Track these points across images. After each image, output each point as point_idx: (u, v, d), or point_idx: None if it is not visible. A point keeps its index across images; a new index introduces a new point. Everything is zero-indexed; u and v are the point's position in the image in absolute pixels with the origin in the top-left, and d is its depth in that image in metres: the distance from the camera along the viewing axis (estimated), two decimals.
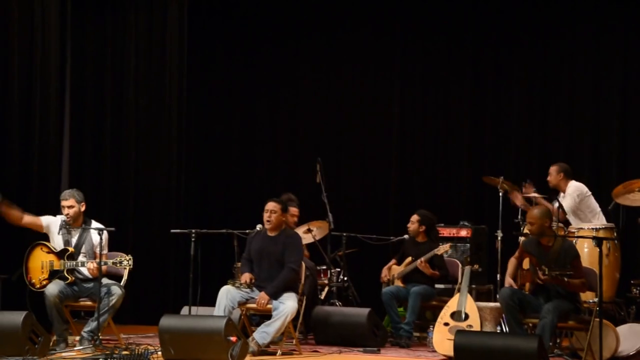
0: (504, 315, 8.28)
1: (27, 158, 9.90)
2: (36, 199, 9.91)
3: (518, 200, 9.54)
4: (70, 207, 8.35)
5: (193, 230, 8.63)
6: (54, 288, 8.11)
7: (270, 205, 8.44)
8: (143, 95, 11.19)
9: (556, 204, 9.46)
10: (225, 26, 12.14)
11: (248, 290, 8.28)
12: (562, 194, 9.62)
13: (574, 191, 9.51)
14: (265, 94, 12.20)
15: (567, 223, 9.50)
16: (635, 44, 10.88)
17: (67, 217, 8.35)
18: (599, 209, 9.60)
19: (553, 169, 9.66)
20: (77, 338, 8.19)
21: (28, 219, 8.45)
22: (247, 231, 8.75)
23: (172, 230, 9.34)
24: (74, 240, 8.39)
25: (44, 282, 8.25)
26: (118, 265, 8.18)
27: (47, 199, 9.96)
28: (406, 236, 9.70)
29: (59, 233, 8.39)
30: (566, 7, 11.15)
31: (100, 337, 8.10)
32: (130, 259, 8.16)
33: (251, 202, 10.53)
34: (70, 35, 10.92)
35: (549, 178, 9.68)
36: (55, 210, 8.65)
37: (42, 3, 10.14)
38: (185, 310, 8.90)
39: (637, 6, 10.75)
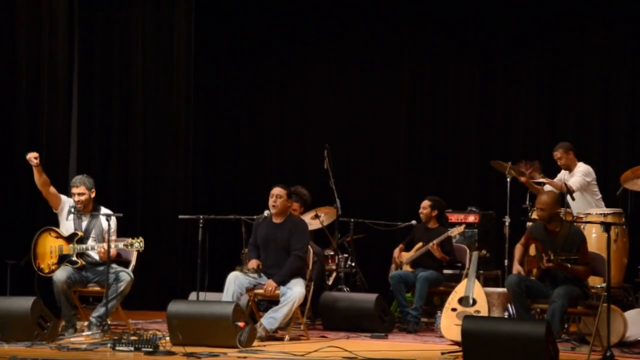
0: (511, 302, 8.28)
1: (35, 143, 9.91)
2: None
3: (522, 179, 9.57)
4: (80, 194, 8.36)
5: (201, 216, 8.64)
6: (62, 274, 8.13)
7: (276, 190, 8.43)
8: (152, 83, 11.21)
9: (558, 178, 9.55)
10: (233, 18, 12.14)
11: (255, 275, 8.29)
12: (565, 172, 9.65)
13: (584, 172, 9.54)
14: (274, 81, 12.21)
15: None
16: None
17: (78, 204, 8.36)
18: (600, 195, 9.62)
19: (561, 152, 9.66)
20: (86, 323, 8.22)
21: (53, 189, 8.45)
22: (255, 217, 8.75)
23: (180, 216, 9.35)
24: (83, 226, 8.41)
25: (53, 267, 8.27)
26: (129, 247, 8.20)
27: (56, 186, 9.98)
28: (414, 222, 9.70)
29: (67, 218, 8.41)
30: None
31: (109, 323, 8.13)
32: (141, 240, 8.17)
33: (259, 188, 10.51)
34: (78, 31, 10.95)
35: (560, 162, 9.68)
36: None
37: (50, 1, 10.14)
38: (193, 295, 8.92)
39: None
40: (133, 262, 8.52)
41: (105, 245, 8.14)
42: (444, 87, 11.76)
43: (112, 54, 11.24)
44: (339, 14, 11.92)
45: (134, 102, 11.20)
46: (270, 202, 8.40)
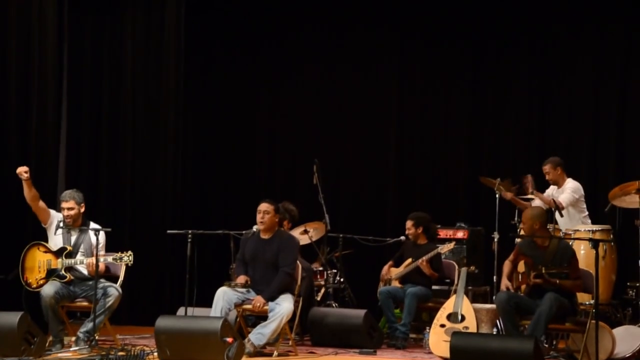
0: (500, 318, 8.28)
1: (23, 157, 9.87)
2: None
3: (507, 196, 9.60)
4: (70, 208, 8.35)
5: (189, 231, 8.62)
6: (50, 289, 8.10)
7: (264, 206, 8.39)
8: (140, 95, 11.18)
9: (546, 193, 9.59)
10: (223, 26, 12.13)
11: (244, 290, 8.27)
12: (554, 187, 9.68)
13: (573, 189, 9.57)
14: (264, 93, 12.21)
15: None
16: (636, 48, 10.89)
17: (67, 219, 8.34)
18: (587, 212, 9.65)
19: (549, 167, 9.71)
20: (73, 339, 8.18)
21: (42, 203, 8.44)
22: (243, 232, 8.73)
23: (169, 231, 9.33)
24: (72, 240, 8.38)
25: (41, 282, 8.24)
26: (118, 261, 8.18)
27: (44, 200, 9.94)
28: (403, 237, 9.69)
29: (55, 233, 8.39)
30: (566, 8, 11.15)
31: (97, 338, 8.09)
32: (130, 254, 8.15)
33: (249, 203, 10.53)
34: (67, 33, 10.88)
35: (547, 177, 9.72)
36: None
37: (40, 4, 10.12)
38: (181, 311, 8.89)
39: (638, 5, 10.76)
40: (121, 277, 8.49)
41: (94, 259, 8.12)
42: (433, 102, 11.78)
43: (102, 55, 11.13)
44: (330, 19, 11.91)
45: (123, 116, 11.14)
46: (258, 218, 8.38)
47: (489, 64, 11.58)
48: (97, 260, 8.07)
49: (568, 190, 9.58)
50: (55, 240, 8.39)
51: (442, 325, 8.34)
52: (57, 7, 10.39)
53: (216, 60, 12.21)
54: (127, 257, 8.16)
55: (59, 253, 8.30)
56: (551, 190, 9.76)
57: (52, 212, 8.50)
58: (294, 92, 12.15)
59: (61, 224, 8.37)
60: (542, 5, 11.26)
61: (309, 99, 12.09)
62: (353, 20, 11.90)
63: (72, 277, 8.26)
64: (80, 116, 11.14)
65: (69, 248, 8.31)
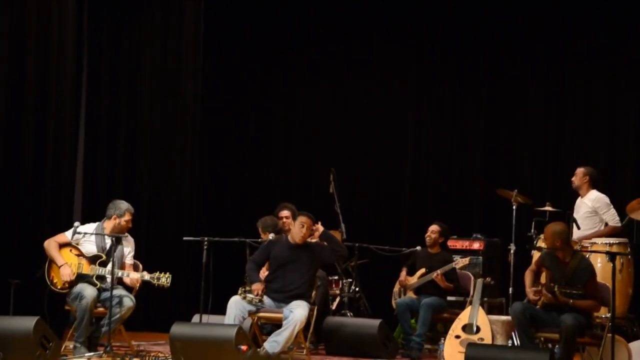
0: (515, 330, 8.25)
1: (41, 164, 9.89)
2: (49, 205, 9.88)
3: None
4: (132, 221, 8.54)
5: (205, 238, 8.63)
6: (92, 292, 8.10)
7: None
8: (158, 101, 11.21)
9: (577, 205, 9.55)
10: (241, 33, 12.20)
11: (259, 304, 8.29)
12: (579, 198, 9.61)
13: (606, 203, 9.46)
14: (280, 101, 12.24)
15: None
16: None
17: (126, 227, 8.48)
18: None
19: (580, 171, 9.64)
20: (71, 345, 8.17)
21: (60, 241, 8.42)
22: (260, 240, 8.74)
23: (185, 238, 9.35)
24: (107, 246, 8.41)
25: (67, 285, 8.24)
26: (155, 280, 8.17)
27: (60, 206, 9.97)
28: (418, 247, 9.67)
29: (72, 237, 8.38)
30: (583, 21, 11.14)
31: (112, 344, 8.09)
32: (169, 276, 8.18)
33: (264, 211, 10.54)
34: (86, 38, 10.95)
35: (573, 179, 9.66)
36: (67, 218, 8.68)
37: (59, 4, 10.16)
38: (196, 318, 8.90)
39: None
40: (136, 288, 8.48)
41: (133, 274, 8.21)
42: (450, 112, 11.77)
43: (121, 59, 11.17)
44: (347, 30, 11.95)
45: (140, 124, 11.17)
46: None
47: (505, 76, 11.55)
48: (113, 269, 8.09)
49: (605, 208, 9.46)
50: (87, 246, 8.40)
51: (457, 337, 8.32)
52: (77, 14, 10.42)
53: (233, 67, 12.23)
54: (165, 278, 8.17)
55: (93, 260, 8.31)
56: (578, 202, 9.66)
57: (68, 233, 8.47)
58: (310, 101, 12.16)
59: (78, 229, 8.37)
60: (559, 17, 11.25)
61: (326, 108, 12.10)
62: (370, 29, 11.91)
63: (102, 286, 8.26)
64: (98, 123, 11.17)
65: (103, 257, 8.32)
